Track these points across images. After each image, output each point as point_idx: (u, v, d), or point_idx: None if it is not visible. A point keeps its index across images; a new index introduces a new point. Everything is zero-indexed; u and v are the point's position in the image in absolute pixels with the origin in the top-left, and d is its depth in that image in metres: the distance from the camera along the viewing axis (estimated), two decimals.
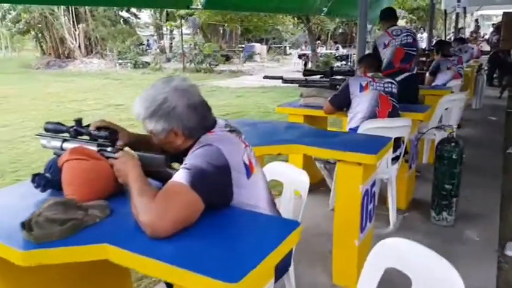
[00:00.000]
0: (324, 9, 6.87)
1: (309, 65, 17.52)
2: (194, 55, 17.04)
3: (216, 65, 18.47)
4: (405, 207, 3.25)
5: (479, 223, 3.00)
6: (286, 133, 2.51)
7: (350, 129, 2.98)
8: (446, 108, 4.08)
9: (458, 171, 2.83)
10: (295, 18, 19.20)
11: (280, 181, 1.92)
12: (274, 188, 2.32)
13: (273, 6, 5.69)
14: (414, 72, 4.02)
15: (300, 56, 19.76)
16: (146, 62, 18.74)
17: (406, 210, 3.24)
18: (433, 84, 4.99)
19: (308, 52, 18.91)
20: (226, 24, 21.29)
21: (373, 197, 2.30)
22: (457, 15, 11.62)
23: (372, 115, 2.90)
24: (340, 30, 34.23)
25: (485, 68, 9.38)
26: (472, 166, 4.01)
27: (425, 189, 3.40)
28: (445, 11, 12.18)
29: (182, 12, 17.60)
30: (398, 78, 3.55)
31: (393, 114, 2.94)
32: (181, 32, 18.95)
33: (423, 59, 5.90)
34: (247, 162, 1.41)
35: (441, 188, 2.87)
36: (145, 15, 29.21)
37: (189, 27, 23.33)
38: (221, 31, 25.87)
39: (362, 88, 2.97)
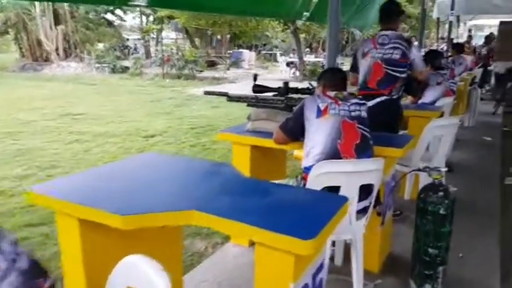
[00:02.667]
0: (305, 13, 6.18)
1: (297, 73, 16.82)
2: (176, 60, 16.22)
3: (201, 71, 17.71)
4: (378, 270, 2.47)
5: None
6: (187, 186, 1.66)
7: (305, 168, 2.20)
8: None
9: (447, 231, 2.06)
10: (282, 24, 18.50)
11: None
12: None
13: (240, 8, 4.95)
14: (394, 96, 3.12)
15: (288, 64, 19.05)
16: (125, 67, 17.90)
17: (379, 274, 2.46)
18: (420, 101, 4.24)
19: (296, 60, 18.22)
20: (209, 29, 20.47)
21: None
22: (450, 24, 10.96)
23: (332, 150, 2.13)
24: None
25: (478, 81, 8.71)
26: (465, 203, 3.27)
27: (406, 240, 2.63)
28: (438, 19, 11.55)
29: (162, 14, 16.81)
30: (370, 103, 2.80)
31: (362, 147, 2.16)
32: (157, 36, 18.09)
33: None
34: None
35: (424, 252, 2.11)
36: (130, 18, 28.44)
37: (172, 30, 22.52)
38: (209, 36, 25.17)
39: (320, 112, 2.19)
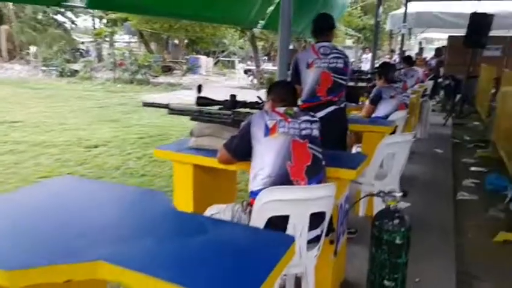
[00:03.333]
0: (260, 22, 6.02)
1: (255, 81, 16.69)
2: (128, 64, 15.61)
3: (156, 76, 17.18)
4: None
5: None
6: (100, 226, 1.32)
7: (252, 193, 1.97)
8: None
9: (403, 262, 1.89)
10: (239, 31, 18.37)
11: None
12: None
13: (189, 12, 4.68)
14: (342, 105, 3.12)
15: (246, 71, 18.92)
16: (75, 70, 17.04)
17: None
18: (374, 115, 4.15)
19: (254, 67, 18.11)
20: (163, 33, 19.95)
21: None
22: (403, 36, 11.24)
23: (282, 173, 1.91)
24: (290, 47, 34.00)
25: (429, 93, 8.90)
26: (419, 220, 3.20)
27: (361, 263, 2.46)
28: (391, 31, 11.83)
29: (113, 16, 16.18)
30: (320, 114, 2.63)
31: (314, 170, 1.96)
32: (110, 39, 17.39)
33: (364, 84, 5.08)
34: None
35: (380, 285, 1.92)
36: (82, 20, 27.29)
37: (124, 34, 21.78)
38: (165, 41, 24.59)
39: (268, 130, 1.97)
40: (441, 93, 10.59)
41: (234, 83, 17.63)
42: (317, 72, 3.03)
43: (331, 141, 2.26)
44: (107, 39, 23.28)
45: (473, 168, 5.08)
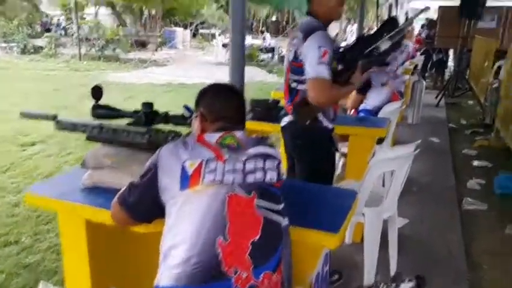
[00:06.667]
0: None
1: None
2: (94, 39, 14.36)
3: (128, 52, 15.93)
4: None
5: None
6: None
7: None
8: None
9: None
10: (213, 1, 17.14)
11: None
12: None
13: None
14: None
15: (224, 45, 17.75)
16: (39, 47, 15.68)
17: None
18: (362, 107, 3.33)
19: None
20: (135, 4, 18.56)
21: None
22: (390, 6, 10.34)
23: (208, 256, 1.08)
24: (273, 18, 32.54)
25: (420, 70, 8.11)
26: (419, 244, 2.51)
27: None
28: (377, 1, 10.86)
29: None
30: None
31: (265, 247, 1.14)
32: (75, 11, 15.98)
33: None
34: None
35: None
36: None
37: (92, 5, 20.27)
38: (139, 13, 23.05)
39: (186, 178, 1.14)
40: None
41: (211, 58, 16.51)
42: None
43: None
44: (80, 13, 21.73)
45: (476, 163, 4.34)
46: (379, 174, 2.21)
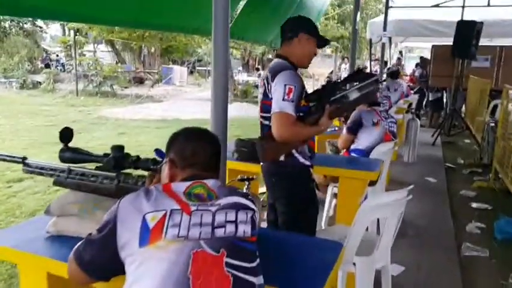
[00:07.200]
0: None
1: (228, 93, 15.73)
2: (92, 75, 14.49)
3: (125, 87, 16.05)
4: None
5: None
6: None
7: None
8: None
9: None
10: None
11: None
12: None
13: (130, 20, 3.71)
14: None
15: None
16: (38, 82, 15.82)
17: None
18: (354, 146, 3.23)
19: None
20: (132, 42, 18.88)
21: None
22: (383, 45, 10.46)
23: None
24: (269, 56, 33.15)
25: (414, 108, 8.10)
26: None
27: None
28: (370, 40, 11.01)
29: (75, 25, 15.06)
30: None
31: None
32: (74, 48, 16.23)
33: None
34: None
35: None
36: (54, 30, 26.12)
37: (88, 43, 20.62)
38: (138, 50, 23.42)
39: (147, 234, 1.01)
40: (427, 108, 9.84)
41: (207, 94, 16.62)
42: None
43: None
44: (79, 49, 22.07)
45: (474, 205, 4.20)
46: (371, 220, 2.08)
